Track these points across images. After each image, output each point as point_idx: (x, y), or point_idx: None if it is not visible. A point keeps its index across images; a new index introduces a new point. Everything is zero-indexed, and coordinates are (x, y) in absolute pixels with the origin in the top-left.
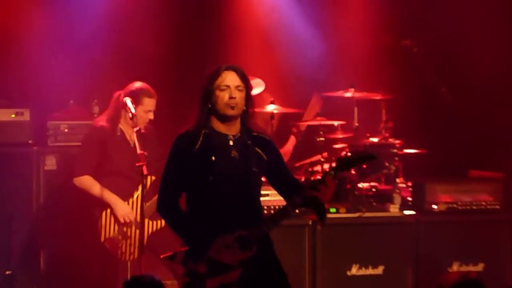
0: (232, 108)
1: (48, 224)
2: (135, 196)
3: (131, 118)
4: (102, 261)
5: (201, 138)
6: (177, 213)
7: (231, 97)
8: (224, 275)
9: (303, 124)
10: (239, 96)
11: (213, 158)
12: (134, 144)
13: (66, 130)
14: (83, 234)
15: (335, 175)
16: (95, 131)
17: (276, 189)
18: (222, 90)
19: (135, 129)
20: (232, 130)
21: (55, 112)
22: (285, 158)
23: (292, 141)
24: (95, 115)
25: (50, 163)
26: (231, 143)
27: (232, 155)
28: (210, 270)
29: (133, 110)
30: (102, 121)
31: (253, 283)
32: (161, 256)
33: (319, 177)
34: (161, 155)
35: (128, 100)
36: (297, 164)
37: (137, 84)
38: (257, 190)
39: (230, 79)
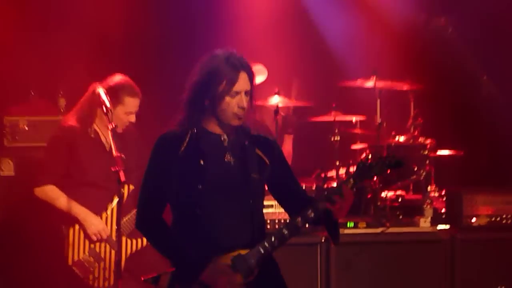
0: (240, 119)
1: (3, 242)
2: (109, 210)
3: (106, 113)
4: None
5: (187, 139)
6: (160, 230)
7: (240, 107)
8: None
9: (284, 108)
10: (247, 102)
11: (202, 162)
12: (110, 147)
13: (26, 128)
14: (46, 256)
15: (354, 184)
16: (62, 132)
17: (279, 201)
18: (232, 96)
19: (110, 127)
20: (227, 129)
21: (13, 106)
22: (288, 161)
23: (288, 139)
24: (62, 110)
25: (7, 168)
26: (225, 144)
27: (226, 159)
28: None
29: (107, 103)
30: (71, 120)
31: None
32: (142, 278)
33: (334, 184)
34: (142, 160)
35: (101, 91)
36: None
37: (117, 79)
38: (258, 201)
39: (242, 82)
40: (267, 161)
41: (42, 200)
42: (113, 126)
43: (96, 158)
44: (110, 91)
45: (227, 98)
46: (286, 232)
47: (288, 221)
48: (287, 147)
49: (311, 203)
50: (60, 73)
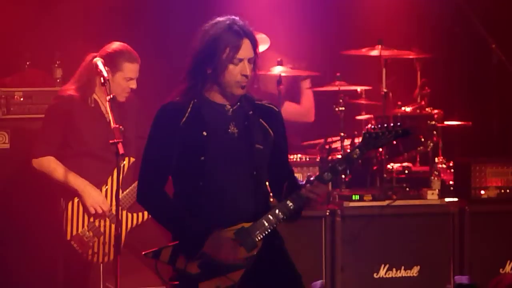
0: (243, 87)
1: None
2: (109, 182)
3: (103, 84)
4: (68, 264)
5: (189, 109)
6: (162, 202)
7: (243, 75)
8: (222, 277)
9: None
10: (250, 70)
11: (205, 133)
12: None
13: (22, 99)
14: (44, 230)
15: (360, 155)
16: (61, 101)
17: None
18: (235, 64)
19: (108, 97)
20: (230, 99)
21: (7, 76)
22: (309, 118)
23: (309, 95)
24: (58, 80)
25: (2, 140)
26: (228, 114)
27: (230, 130)
28: (205, 271)
29: (105, 74)
30: (70, 89)
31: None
32: (143, 253)
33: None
34: (144, 131)
35: (99, 61)
36: (304, 143)
37: (115, 45)
38: (262, 172)
39: (245, 49)
40: (271, 132)
41: (40, 171)
42: (111, 96)
43: (95, 128)
44: (108, 58)
45: (230, 66)
46: (290, 204)
47: (293, 193)
48: (309, 103)
49: (319, 174)
50: (56, 42)
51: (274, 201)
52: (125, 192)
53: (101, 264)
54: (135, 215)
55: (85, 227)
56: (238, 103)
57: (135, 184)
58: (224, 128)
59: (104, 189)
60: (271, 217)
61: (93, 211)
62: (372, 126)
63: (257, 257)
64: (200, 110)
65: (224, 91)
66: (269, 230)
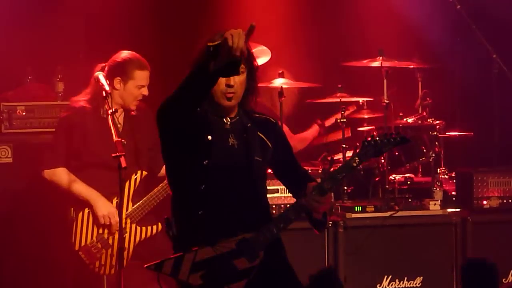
0: (229, 99)
1: (5, 228)
2: (124, 193)
3: (105, 97)
4: (76, 275)
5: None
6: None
7: (228, 85)
8: (228, 287)
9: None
10: (238, 82)
11: (209, 137)
12: (123, 128)
13: (24, 114)
14: (50, 242)
15: (359, 163)
16: (72, 112)
17: (283, 183)
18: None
19: (110, 111)
20: (228, 112)
21: (9, 91)
22: (301, 145)
23: (314, 130)
24: (60, 94)
25: (5, 154)
26: (227, 127)
27: (230, 143)
28: (207, 282)
29: (107, 87)
30: (82, 100)
31: None
32: (145, 266)
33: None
34: (155, 143)
35: (100, 75)
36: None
37: (124, 54)
38: (262, 184)
39: None
40: (269, 143)
41: (51, 182)
42: (113, 110)
43: (107, 139)
44: (119, 68)
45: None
46: (291, 213)
47: (293, 203)
48: (309, 135)
49: (317, 183)
50: (57, 56)
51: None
52: (136, 206)
53: (105, 277)
54: (144, 228)
55: (94, 238)
56: (237, 117)
57: (145, 198)
58: (225, 140)
59: (115, 201)
60: (272, 227)
61: (103, 221)
62: (372, 135)
63: (259, 268)
64: (205, 118)
65: (215, 103)
66: (271, 241)
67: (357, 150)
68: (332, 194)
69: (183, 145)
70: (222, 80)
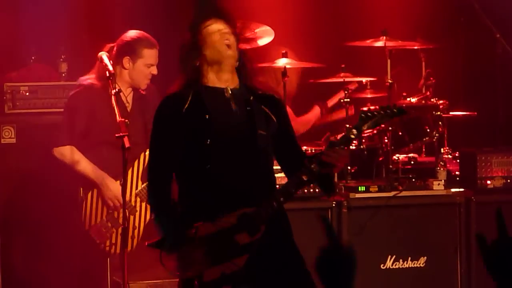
0: (229, 46)
1: (6, 211)
2: (130, 174)
3: (108, 78)
4: (86, 254)
5: (190, 98)
6: (166, 205)
7: (224, 37)
8: (227, 264)
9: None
10: (233, 42)
11: (207, 116)
12: (132, 107)
13: (27, 94)
14: (57, 222)
15: (357, 135)
16: (82, 89)
17: (280, 160)
18: (211, 33)
19: (113, 91)
20: (229, 82)
21: (12, 71)
22: (303, 128)
23: (316, 112)
24: (63, 75)
25: (8, 135)
26: (227, 95)
27: (233, 108)
28: (209, 258)
29: (110, 68)
30: (91, 78)
31: (264, 272)
32: (146, 243)
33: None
34: None
35: (104, 55)
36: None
37: (132, 34)
38: (267, 159)
39: (219, 26)
40: (274, 118)
41: (61, 161)
42: (116, 90)
43: (115, 118)
44: (128, 47)
45: (207, 38)
46: (290, 186)
47: (293, 176)
48: (311, 117)
49: (313, 157)
50: (60, 37)
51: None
52: (144, 184)
53: (108, 258)
54: None
55: (104, 217)
56: (239, 88)
57: None
58: (226, 109)
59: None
60: (272, 201)
61: (111, 204)
62: (368, 107)
63: (261, 242)
64: (200, 97)
65: (215, 63)
66: (272, 215)
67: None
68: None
69: (183, 135)
70: (216, 35)
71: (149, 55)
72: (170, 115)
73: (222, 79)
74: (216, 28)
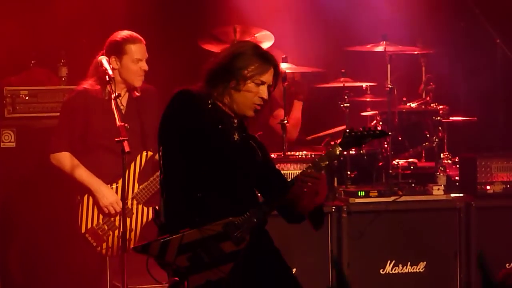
0: (256, 111)
1: (5, 215)
2: (126, 177)
3: (109, 82)
4: (83, 257)
5: (209, 105)
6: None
7: (261, 97)
8: (213, 270)
9: (295, 77)
10: (263, 106)
11: (236, 137)
12: (127, 111)
13: (27, 98)
14: (55, 225)
15: (341, 152)
16: (75, 95)
17: (259, 191)
18: (256, 84)
19: (113, 96)
20: (236, 116)
21: (12, 75)
22: (296, 128)
23: (297, 105)
24: (63, 79)
25: (8, 139)
26: (234, 124)
27: (235, 138)
28: (194, 264)
29: (110, 72)
30: (85, 83)
31: (249, 281)
32: (131, 247)
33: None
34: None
35: (103, 59)
36: (309, 138)
37: (116, 34)
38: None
39: (270, 76)
40: (259, 153)
41: (56, 167)
42: (116, 94)
43: (110, 122)
44: (112, 47)
45: (250, 85)
46: (275, 199)
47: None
48: (297, 113)
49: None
50: (61, 41)
51: None
52: (141, 186)
53: (108, 260)
54: (151, 209)
55: (100, 221)
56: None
57: (152, 179)
58: (231, 134)
59: (120, 183)
60: (258, 211)
61: (106, 211)
62: (351, 128)
63: (246, 252)
64: (216, 112)
65: (236, 107)
66: (257, 225)
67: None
68: (336, 178)
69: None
70: (256, 91)
71: (134, 50)
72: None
73: (237, 115)
74: (269, 78)
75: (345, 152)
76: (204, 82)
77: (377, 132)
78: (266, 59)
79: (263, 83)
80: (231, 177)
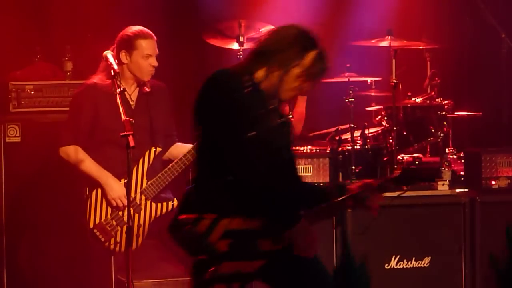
0: (291, 96)
1: (11, 210)
2: (135, 173)
3: (113, 77)
4: (91, 252)
5: (248, 88)
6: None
7: (299, 86)
8: (246, 262)
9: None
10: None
11: (258, 112)
12: (136, 105)
13: (32, 93)
14: (62, 220)
15: (393, 188)
16: (84, 88)
17: None
18: (296, 71)
19: (118, 90)
20: (274, 98)
21: (17, 70)
22: (301, 123)
23: (301, 100)
24: (68, 73)
25: (13, 133)
26: (272, 107)
27: (275, 122)
28: (233, 251)
29: (115, 66)
30: (95, 77)
31: (273, 283)
32: (180, 218)
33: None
34: (166, 122)
35: (109, 54)
36: (311, 135)
37: (127, 29)
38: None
39: (310, 64)
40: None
41: (66, 161)
42: (121, 89)
43: (119, 116)
44: (123, 42)
45: (296, 70)
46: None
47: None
48: (300, 108)
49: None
50: (66, 35)
51: None
52: (150, 182)
53: (113, 257)
54: (159, 205)
55: (109, 216)
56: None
57: (160, 174)
58: (272, 117)
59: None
60: (299, 216)
61: (114, 204)
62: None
63: (281, 252)
64: (256, 93)
65: (275, 90)
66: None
67: (367, 132)
68: (340, 173)
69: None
70: (299, 76)
71: (144, 46)
72: (235, 93)
73: (272, 96)
74: (299, 78)
75: (350, 147)
76: (247, 61)
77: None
78: (309, 45)
79: (303, 71)
80: (266, 161)
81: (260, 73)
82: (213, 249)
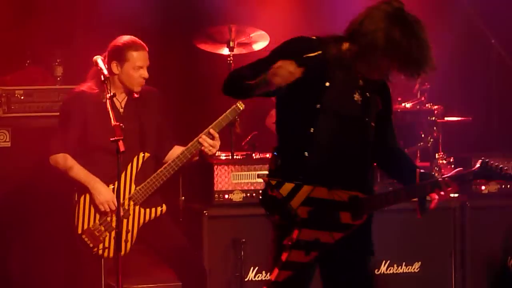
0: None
1: (0, 215)
2: (123, 178)
3: (104, 81)
4: (79, 258)
5: (319, 52)
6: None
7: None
8: (325, 232)
9: None
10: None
11: (327, 84)
12: (125, 111)
13: (22, 98)
14: (50, 226)
15: (470, 181)
16: (72, 96)
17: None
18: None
19: (108, 95)
20: (361, 70)
21: (7, 75)
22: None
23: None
24: (59, 78)
25: (3, 138)
26: (359, 83)
27: (355, 98)
28: (312, 219)
29: (105, 71)
30: (83, 85)
31: (348, 256)
32: (264, 179)
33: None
34: (159, 126)
35: (99, 59)
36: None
37: (119, 38)
38: (369, 146)
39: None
40: (380, 105)
41: (55, 168)
42: (111, 94)
43: (108, 124)
44: (114, 52)
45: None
46: (405, 193)
47: (412, 184)
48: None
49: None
50: (56, 40)
51: None
52: (138, 187)
53: (103, 261)
54: (148, 210)
55: (97, 221)
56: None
57: (149, 180)
58: (348, 90)
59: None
60: (384, 198)
61: (103, 209)
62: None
63: (356, 229)
64: (330, 61)
65: (361, 69)
66: (378, 209)
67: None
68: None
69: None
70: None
71: (136, 58)
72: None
73: (359, 68)
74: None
75: None
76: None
77: (506, 175)
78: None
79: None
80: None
81: (351, 47)
82: (294, 214)
